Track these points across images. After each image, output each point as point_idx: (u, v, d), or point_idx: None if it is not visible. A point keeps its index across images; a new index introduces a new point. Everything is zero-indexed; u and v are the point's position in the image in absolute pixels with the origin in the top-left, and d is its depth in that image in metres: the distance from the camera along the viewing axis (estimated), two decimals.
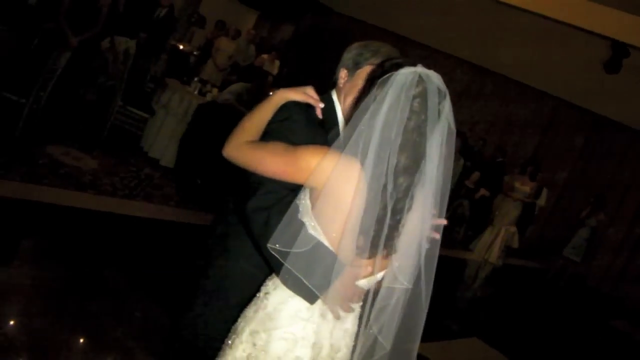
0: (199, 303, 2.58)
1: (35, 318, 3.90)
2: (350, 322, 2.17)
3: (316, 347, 2.10)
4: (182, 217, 6.94)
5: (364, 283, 2.09)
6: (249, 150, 2.24)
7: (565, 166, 14.54)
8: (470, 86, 15.49)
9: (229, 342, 2.20)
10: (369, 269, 2.05)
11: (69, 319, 4.07)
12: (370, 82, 2.06)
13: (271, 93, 2.42)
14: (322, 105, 2.34)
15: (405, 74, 1.97)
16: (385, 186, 1.94)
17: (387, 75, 1.99)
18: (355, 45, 2.48)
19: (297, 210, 2.04)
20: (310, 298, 2.05)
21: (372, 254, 2.02)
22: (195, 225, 6.78)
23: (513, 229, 11.68)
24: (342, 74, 2.47)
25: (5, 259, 4.55)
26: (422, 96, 1.95)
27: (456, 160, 10.88)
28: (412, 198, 1.98)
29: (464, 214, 12.41)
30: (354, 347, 2.19)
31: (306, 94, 2.31)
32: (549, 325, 9.52)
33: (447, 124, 1.99)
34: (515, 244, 11.86)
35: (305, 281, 2.00)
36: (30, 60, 6.83)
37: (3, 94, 6.62)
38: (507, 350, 7.06)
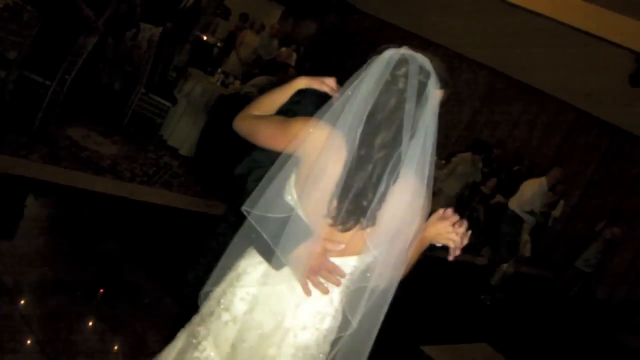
0: (202, 262, 2.61)
1: (47, 298, 3.93)
2: (323, 303, 2.13)
3: (277, 315, 2.12)
4: (199, 207, 6.96)
5: (339, 262, 2.09)
6: (250, 120, 2.35)
7: (582, 178, 14.48)
8: (492, 91, 15.46)
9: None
10: (342, 245, 2.06)
11: (80, 301, 4.11)
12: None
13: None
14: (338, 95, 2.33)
15: (390, 54, 2.03)
16: (364, 157, 1.98)
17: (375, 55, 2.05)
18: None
19: (274, 177, 2.05)
20: (276, 264, 2.08)
21: (346, 227, 2.03)
22: (213, 216, 6.80)
23: (526, 237, 11.63)
24: None
25: (21, 238, 4.60)
26: (406, 76, 1.99)
27: (475, 165, 10.91)
28: (394, 174, 1.99)
29: (478, 219, 12.37)
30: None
31: (324, 83, 2.34)
32: (557, 335, 9.50)
33: (433, 104, 2.02)
34: (528, 252, 11.80)
35: (271, 245, 2.03)
36: (57, 42, 6.86)
37: (29, 76, 6.66)
38: (515, 357, 7.06)
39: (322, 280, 2.09)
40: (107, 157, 6.91)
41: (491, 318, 9.00)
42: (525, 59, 13.60)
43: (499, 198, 12.02)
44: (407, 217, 2.03)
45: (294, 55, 14.22)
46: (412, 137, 1.98)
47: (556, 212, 12.37)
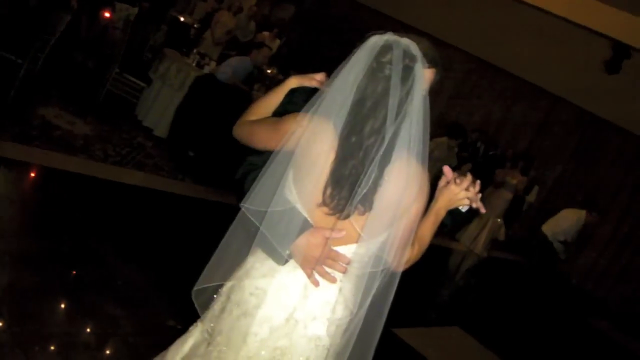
0: None
1: (18, 281, 3.89)
2: (332, 293, 2.15)
3: (286, 308, 2.14)
4: (172, 188, 6.93)
5: (343, 250, 2.11)
6: (246, 125, 2.38)
7: (557, 164, 14.56)
8: (469, 77, 15.48)
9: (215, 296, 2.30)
10: (343, 232, 2.07)
11: (52, 283, 4.07)
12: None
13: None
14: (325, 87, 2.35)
15: (374, 40, 2.04)
16: (355, 144, 2.00)
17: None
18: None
19: (268, 172, 2.08)
20: (278, 258, 2.11)
21: (343, 214, 2.05)
22: (185, 197, 6.78)
23: (500, 221, 11.72)
24: None
25: None
26: (391, 62, 2.00)
27: (451, 149, 10.93)
28: (386, 158, 2.00)
29: None
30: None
31: (315, 79, 2.39)
32: (529, 319, 9.57)
33: (421, 86, 2.04)
34: (502, 236, 11.91)
35: (270, 238, 2.07)
36: (30, 20, 6.78)
37: (0, 53, 6.58)
38: (486, 340, 7.10)
39: (327, 269, 2.11)
40: (80, 136, 6.84)
41: (464, 302, 9.05)
42: (502, 45, 13.64)
43: None
44: (406, 200, 2.05)
45: (277, 41, 14.18)
46: (402, 121, 1.99)
47: (531, 197, 12.46)
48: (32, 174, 5.58)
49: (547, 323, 9.97)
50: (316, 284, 2.12)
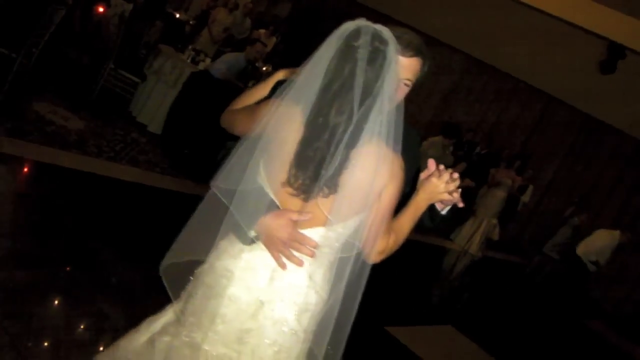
0: None
1: (11, 278, 3.87)
2: (299, 277, 2.15)
3: (253, 289, 2.16)
4: (166, 184, 6.91)
5: (310, 233, 2.11)
6: (230, 114, 2.48)
7: (551, 164, 14.58)
8: (464, 77, 15.48)
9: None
10: (309, 215, 2.08)
11: (45, 280, 4.05)
12: None
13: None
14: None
15: (346, 26, 2.06)
16: (321, 126, 2.01)
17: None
18: None
19: (242, 154, 2.09)
20: (244, 239, 2.14)
21: (307, 196, 2.06)
22: (179, 193, 6.76)
23: (494, 221, 11.72)
24: None
25: None
26: (360, 45, 2.01)
27: (445, 148, 10.93)
28: (354, 141, 2.01)
29: None
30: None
31: None
32: (523, 319, 9.58)
33: (394, 72, 2.05)
34: (496, 236, 11.91)
35: (236, 217, 2.09)
36: (24, 15, 6.75)
37: None
38: (480, 340, 7.10)
39: (295, 253, 2.11)
40: (74, 132, 6.82)
41: (458, 301, 9.06)
42: (497, 45, 13.64)
43: (467, 182, 12.07)
44: (376, 184, 2.06)
45: (273, 39, 14.14)
46: (371, 104, 2.00)
47: (525, 198, 12.47)
48: (26, 169, 5.56)
49: (541, 323, 9.98)
50: (283, 266, 2.13)
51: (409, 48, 2.32)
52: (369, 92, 1.99)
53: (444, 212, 2.44)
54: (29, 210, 4.88)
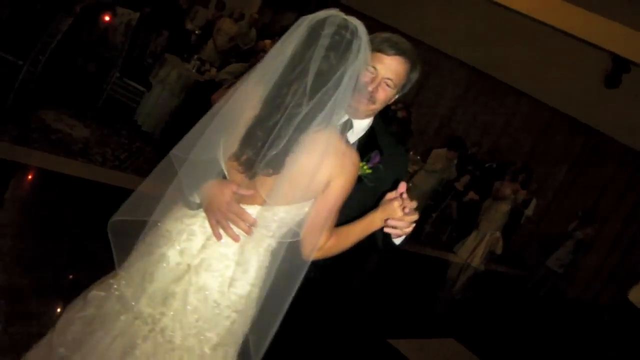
0: None
1: (15, 282, 3.87)
2: (233, 249, 2.16)
3: (183, 252, 2.17)
4: None
5: (248, 209, 2.12)
6: (216, 96, 2.61)
7: (555, 177, 14.55)
8: (469, 88, 15.47)
9: None
10: (251, 191, 2.10)
11: (49, 286, 4.05)
12: None
13: None
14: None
15: (314, 15, 2.10)
16: (275, 106, 2.03)
17: None
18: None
19: (201, 126, 2.13)
20: (188, 203, 2.19)
21: (249, 172, 2.08)
22: None
23: (498, 234, 11.69)
24: None
25: None
26: (326, 33, 2.02)
27: (449, 161, 10.93)
28: (305, 124, 2.02)
29: (451, 215, 12.43)
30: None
31: None
32: (526, 333, 9.55)
33: (359, 65, 2.06)
34: (499, 250, 11.87)
35: (182, 181, 2.14)
36: (32, 22, 6.78)
37: (1, 55, 6.57)
38: (483, 354, 7.08)
39: (233, 227, 2.13)
40: (79, 140, 6.84)
41: (460, 314, 9.03)
42: (502, 58, 13.64)
43: (471, 195, 12.07)
44: (321, 173, 2.06)
45: None
46: (329, 92, 2.02)
47: (529, 211, 12.44)
48: (31, 177, 5.56)
49: (542, 336, 9.95)
50: (218, 237, 2.14)
51: (392, 47, 2.37)
52: (327, 80, 2.01)
53: (397, 242, 2.39)
54: (33, 216, 4.89)
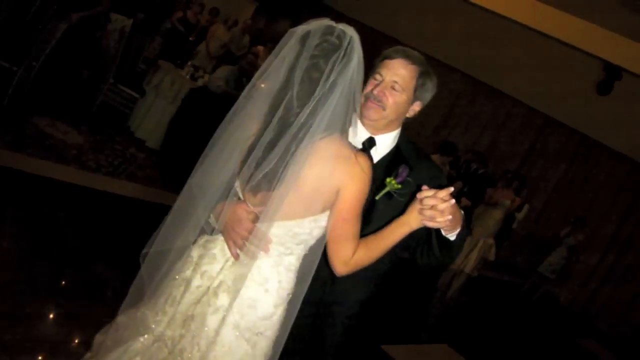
0: None
1: (7, 287, 3.87)
2: (252, 269, 2.15)
3: (205, 276, 2.20)
4: (164, 199, 6.91)
5: (265, 226, 2.09)
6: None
7: (548, 184, 14.57)
8: (461, 96, 15.50)
9: None
10: (259, 208, 2.11)
11: (41, 291, 4.05)
12: None
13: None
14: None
15: (302, 27, 2.10)
16: (270, 121, 2.05)
17: None
18: None
19: (213, 151, 2.20)
20: (207, 226, 2.25)
21: (255, 189, 2.10)
22: None
23: (491, 241, 11.67)
24: None
25: None
26: (313, 44, 2.04)
27: (443, 167, 10.93)
28: (299, 136, 2.02)
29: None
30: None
31: None
32: (518, 338, 9.56)
33: (353, 70, 2.06)
34: (492, 256, 11.85)
35: (199, 204, 2.20)
36: (26, 29, 6.78)
37: None
38: (474, 358, 7.09)
39: (249, 245, 2.12)
40: (72, 146, 6.84)
41: (453, 320, 9.04)
42: (495, 65, 13.69)
43: (464, 202, 12.06)
44: (328, 183, 2.05)
45: None
46: (322, 100, 2.01)
47: (520, 215, 12.45)
48: (24, 182, 5.56)
49: (535, 342, 9.96)
50: (235, 256, 2.15)
51: (397, 52, 2.42)
52: (316, 87, 2.01)
53: (451, 237, 2.29)
54: (26, 222, 4.88)
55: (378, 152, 2.52)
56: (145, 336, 2.21)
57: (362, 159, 2.08)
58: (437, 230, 2.28)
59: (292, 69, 2.04)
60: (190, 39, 13.50)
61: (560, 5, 11.08)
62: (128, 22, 9.15)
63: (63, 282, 4.32)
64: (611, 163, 13.83)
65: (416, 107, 2.55)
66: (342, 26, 2.09)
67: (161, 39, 11.28)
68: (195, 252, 2.25)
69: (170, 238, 2.27)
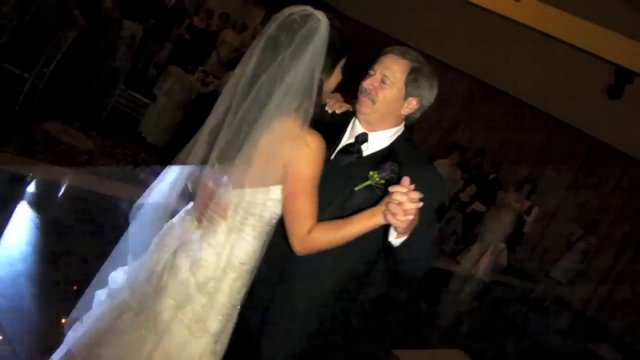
0: None
1: (19, 295, 3.88)
2: (220, 239, 2.28)
3: (175, 236, 2.38)
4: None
5: (223, 194, 2.25)
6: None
7: (559, 187, 14.51)
8: (470, 99, 15.47)
9: None
10: (224, 177, 2.24)
11: (51, 298, 4.06)
12: None
13: None
14: (335, 108, 2.67)
15: (281, 12, 2.21)
16: (237, 100, 2.19)
17: None
18: None
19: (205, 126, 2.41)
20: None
21: (210, 159, 2.26)
22: None
23: (502, 245, 11.63)
24: None
25: None
26: (277, 25, 2.17)
27: (453, 172, 10.92)
28: (261, 114, 2.14)
29: (456, 228, 12.40)
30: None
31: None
32: (530, 343, 9.52)
33: (313, 55, 2.14)
34: (504, 260, 11.82)
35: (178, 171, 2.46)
36: (37, 35, 6.81)
37: (6, 67, 6.60)
38: None
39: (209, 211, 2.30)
40: (83, 152, 6.85)
41: (466, 325, 9.01)
42: (504, 68, 13.66)
43: (476, 205, 12.03)
44: (277, 159, 2.16)
45: None
46: (278, 77, 2.12)
47: (530, 218, 12.41)
48: (35, 188, 5.57)
49: (548, 347, 9.92)
50: (199, 220, 2.34)
51: (390, 49, 2.49)
52: (270, 65, 2.12)
53: (395, 242, 2.22)
54: (36, 228, 4.89)
55: (369, 149, 2.54)
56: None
57: (311, 138, 2.15)
58: (386, 234, 2.25)
59: (258, 47, 2.17)
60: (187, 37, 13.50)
61: (571, 9, 11.05)
62: (139, 28, 9.18)
63: (74, 288, 4.32)
64: (622, 166, 13.78)
65: (412, 104, 2.52)
66: (316, 11, 2.17)
67: (171, 45, 11.30)
68: (176, 219, 2.46)
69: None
